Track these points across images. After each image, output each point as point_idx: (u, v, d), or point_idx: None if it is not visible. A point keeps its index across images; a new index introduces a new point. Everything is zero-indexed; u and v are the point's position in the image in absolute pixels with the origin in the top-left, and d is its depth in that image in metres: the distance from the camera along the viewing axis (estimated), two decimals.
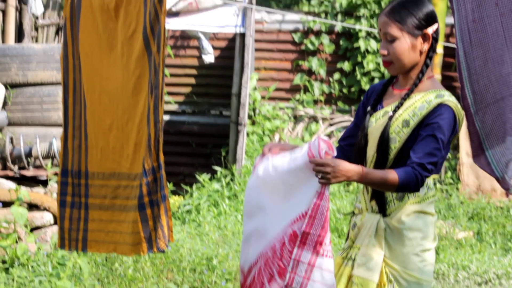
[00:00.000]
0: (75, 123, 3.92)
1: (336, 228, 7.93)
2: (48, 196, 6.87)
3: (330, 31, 11.02)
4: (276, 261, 3.24)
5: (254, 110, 10.78)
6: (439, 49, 10.36)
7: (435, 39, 3.33)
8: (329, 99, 11.05)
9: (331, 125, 10.79)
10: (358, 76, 10.76)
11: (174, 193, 9.44)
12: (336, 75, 10.95)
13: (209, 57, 9.53)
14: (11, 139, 7.35)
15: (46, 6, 9.20)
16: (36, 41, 9.20)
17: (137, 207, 3.62)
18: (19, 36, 8.95)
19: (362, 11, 10.81)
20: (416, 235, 3.31)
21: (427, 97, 3.28)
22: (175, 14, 8.99)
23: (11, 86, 7.64)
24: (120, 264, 6.07)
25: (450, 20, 10.55)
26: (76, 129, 3.92)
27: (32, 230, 6.55)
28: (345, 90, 10.97)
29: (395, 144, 3.28)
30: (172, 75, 11.10)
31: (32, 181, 7.25)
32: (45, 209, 6.71)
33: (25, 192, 6.32)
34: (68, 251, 4.23)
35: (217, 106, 11.16)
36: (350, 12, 10.96)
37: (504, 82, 3.63)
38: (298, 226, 3.18)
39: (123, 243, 3.75)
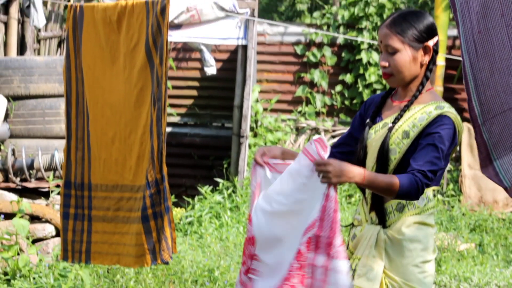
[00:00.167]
0: (78, 135, 3.93)
1: None
2: (50, 208, 6.87)
3: (332, 43, 11.05)
4: (296, 272, 3.21)
5: (256, 122, 10.80)
6: (441, 61, 10.37)
7: (435, 52, 3.33)
8: (331, 111, 11.06)
9: (333, 137, 10.80)
10: (360, 88, 10.77)
11: (176, 205, 9.43)
12: (338, 87, 10.97)
13: (211, 69, 9.55)
14: (13, 151, 7.36)
15: (48, 19, 9.23)
16: (38, 53, 9.22)
17: (141, 219, 3.62)
18: (21, 48, 8.97)
19: (364, 24, 10.83)
20: (416, 246, 3.30)
21: (427, 108, 3.28)
22: (177, 26, 9.01)
23: (13, 98, 7.66)
24: (122, 276, 6.06)
25: (452, 32, 10.57)
26: (79, 141, 3.93)
27: (34, 242, 6.55)
28: (347, 102, 10.98)
29: (395, 155, 3.28)
30: (174, 87, 11.12)
31: (34, 193, 7.26)
32: (47, 221, 6.71)
33: (27, 204, 6.32)
34: (71, 263, 4.22)
35: (219, 118, 11.17)
36: (352, 24, 10.99)
37: (511, 93, 3.63)
38: (312, 233, 3.16)
39: (127, 254, 3.76)
